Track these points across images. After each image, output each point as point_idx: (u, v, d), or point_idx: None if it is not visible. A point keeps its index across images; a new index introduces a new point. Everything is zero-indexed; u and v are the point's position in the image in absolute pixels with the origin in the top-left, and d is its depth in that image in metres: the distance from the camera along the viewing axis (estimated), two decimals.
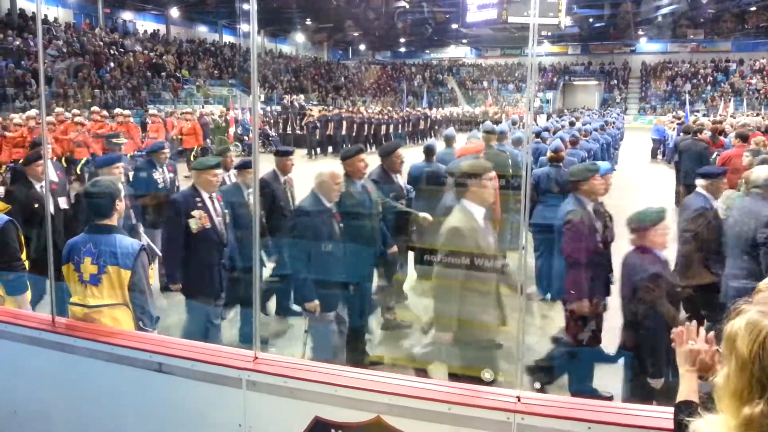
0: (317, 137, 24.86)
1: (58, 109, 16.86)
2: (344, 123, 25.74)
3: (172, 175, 7.63)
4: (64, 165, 13.60)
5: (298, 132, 27.75)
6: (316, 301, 4.99)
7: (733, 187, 9.21)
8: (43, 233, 5.18)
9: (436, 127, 33.47)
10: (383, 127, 27.82)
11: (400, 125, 29.85)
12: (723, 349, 1.65)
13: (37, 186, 5.95)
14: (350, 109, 32.72)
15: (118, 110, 18.66)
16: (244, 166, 6.43)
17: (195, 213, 5.21)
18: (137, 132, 17.76)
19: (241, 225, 5.74)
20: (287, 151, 7.09)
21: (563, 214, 5.05)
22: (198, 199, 5.33)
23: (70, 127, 15.22)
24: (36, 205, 5.77)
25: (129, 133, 16.86)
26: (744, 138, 9.99)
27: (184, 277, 5.35)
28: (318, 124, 25.29)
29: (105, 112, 17.92)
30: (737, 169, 8.89)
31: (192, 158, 17.49)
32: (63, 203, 6.11)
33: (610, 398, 4.93)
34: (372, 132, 26.96)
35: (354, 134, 25.81)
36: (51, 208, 5.48)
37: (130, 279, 3.78)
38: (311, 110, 29.66)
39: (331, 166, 5.41)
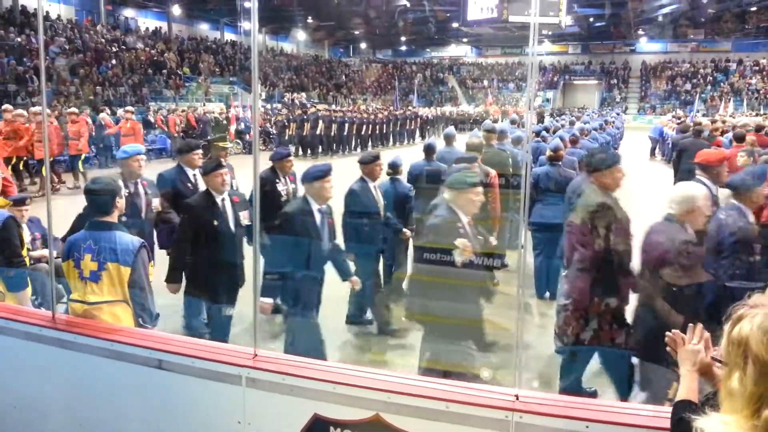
0: (286, 137, 23.71)
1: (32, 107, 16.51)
2: (321, 122, 24.03)
3: (294, 185, 6.96)
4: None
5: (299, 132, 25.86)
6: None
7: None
8: (212, 252, 5.09)
9: (428, 127, 32.64)
10: (365, 127, 26.44)
11: (385, 125, 28.39)
12: (730, 354, 1.66)
13: (218, 199, 5.29)
14: (330, 108, 30.48)
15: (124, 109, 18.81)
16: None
17: (459, 243, 4.23)
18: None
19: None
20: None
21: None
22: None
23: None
24: (216, 222, 5.17)
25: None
26: (740, 138, 10.00)
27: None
28: (286, 123, 24.23)
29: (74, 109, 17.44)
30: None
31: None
32: (244, 218, 5.38)
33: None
34: (354, 132, 25.81)
35: (332, 134, 24.45)
36: (231, 223, 5.28)
37: (130, 276, 3.79)
38: (280, 110, 28.74)
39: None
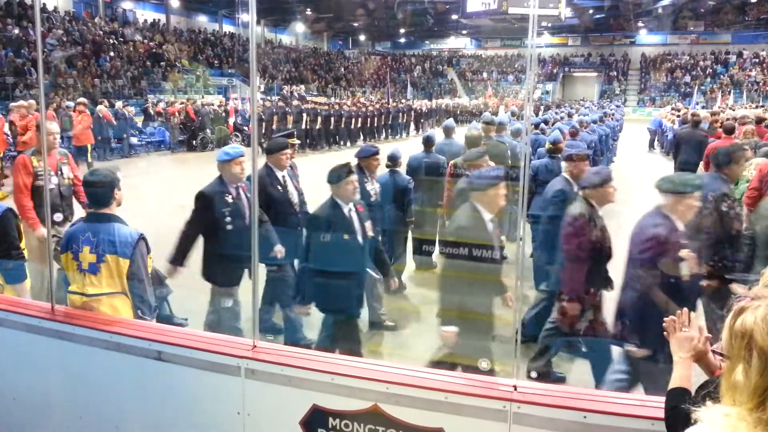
0: (263, 131, 21.48)
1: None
2: (305, 116, 22.92)
3: (378, 185, 6.64)
4: None
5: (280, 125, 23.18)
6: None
7: None
8: (340, 264, 4.68)
9: (423, 120, 31.74)
10: (354, 121, 25.28)
11: (377, 118, 27.04)
12: (732, 346, 1.65)
13: (346, 210, 4.82)
14: (317, 100, 29.15)
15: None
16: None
17: (684, 254, 4.02)
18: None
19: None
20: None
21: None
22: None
23: None
24: (346, 236, 4.72)
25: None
26: (729, 131, 9.97)
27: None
28: (263, 117, 22.36)
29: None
30: None
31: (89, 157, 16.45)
32: (369, 229, 4.97)
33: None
34: (342, 126, 24.70)
35: (318, 128, 23.41)
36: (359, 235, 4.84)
37: (128, 268, 3.78)
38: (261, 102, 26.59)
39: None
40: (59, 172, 6.25)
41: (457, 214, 4.44)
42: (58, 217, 6.18)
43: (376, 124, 27.10)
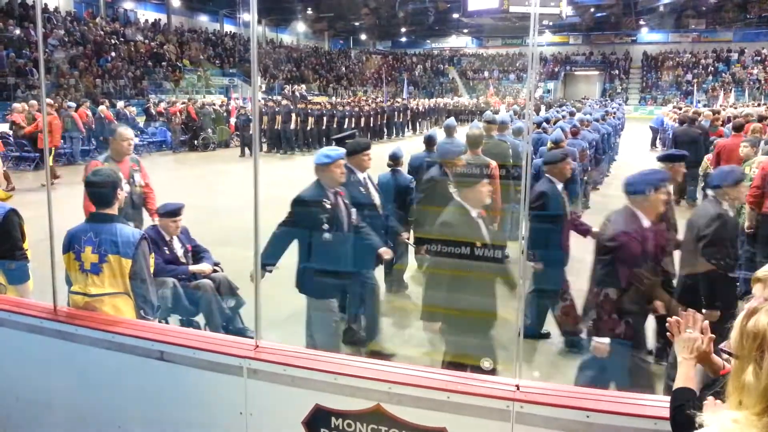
0: (249, 132, 20.37)
1: None
2: (293, 116, 22.09)
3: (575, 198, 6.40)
4: None
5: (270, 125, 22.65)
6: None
7: None
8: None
9: (420, 120, 31.03)
10: (347, 121, 24.07)
11: (372, 118, 26.04)
12: (743, 347, 1.64)
13: (474, 213, 4.33)
14: (307, 100, 27.92)
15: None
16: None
17: None
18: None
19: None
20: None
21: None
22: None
23: None
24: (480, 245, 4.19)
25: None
26: (738, 128, 9.98)
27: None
28: (251, 117, 21.07)
29: None
30: (730, 158, 8.95)
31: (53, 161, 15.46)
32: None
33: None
34: (335, 126, 23.22)
35: (308, 129, 22.42)
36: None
37: (131, 268, 3.79)
38: (242, 104, 25.95)
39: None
40: (131, 180, 5.93)
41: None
42: None
43: (371, 124, 26.08)
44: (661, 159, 5.51)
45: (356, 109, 25.89)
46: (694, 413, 1.70)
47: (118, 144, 5.95)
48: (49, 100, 15.18)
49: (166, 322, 5.17)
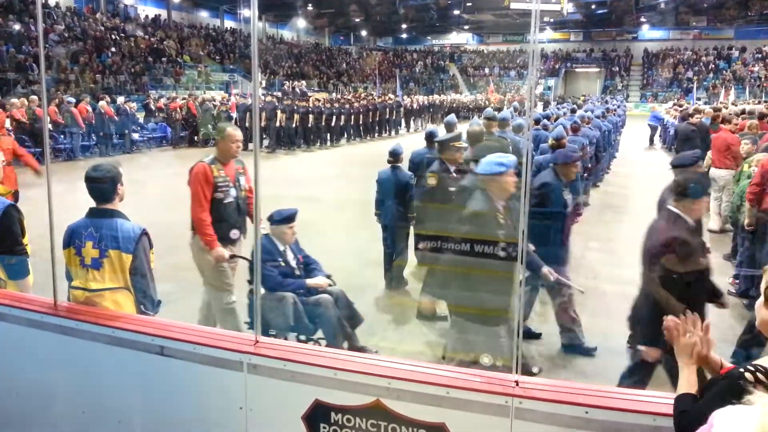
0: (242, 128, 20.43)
1: None
2: (278, 114, 21.47)
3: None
4: None
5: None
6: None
7: (718, 167, 9.50)
8: None
9: (413, 118, 30.56)
10: (335, 119, 23.62)
11: (362, 115, 25.42)
12: None
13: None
14: (298, 99, 26.10)
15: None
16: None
17: None
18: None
19: None
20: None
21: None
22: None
23: None
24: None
25: None
26: (723, 121, 10.42)
27: None
28: (247, 106, 21.23)
29: None
30: (720, 149, 9.51)
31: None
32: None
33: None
34: (323, 124, 23.26)
35: (296, 126, 21.99)
36: None
37: (131, 263, 3.79)
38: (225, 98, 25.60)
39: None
40: (237, 183, 5.39)
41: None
42: (235, 234, 5.40)
43: (361, 122, 25.44)
44: (676, 166, 5.49)
45: (346, 106, 25.20)
46: (746, 386, 1.66)
47: (226, 145, 5.32)
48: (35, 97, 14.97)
49: (285, 338, 4.86)
